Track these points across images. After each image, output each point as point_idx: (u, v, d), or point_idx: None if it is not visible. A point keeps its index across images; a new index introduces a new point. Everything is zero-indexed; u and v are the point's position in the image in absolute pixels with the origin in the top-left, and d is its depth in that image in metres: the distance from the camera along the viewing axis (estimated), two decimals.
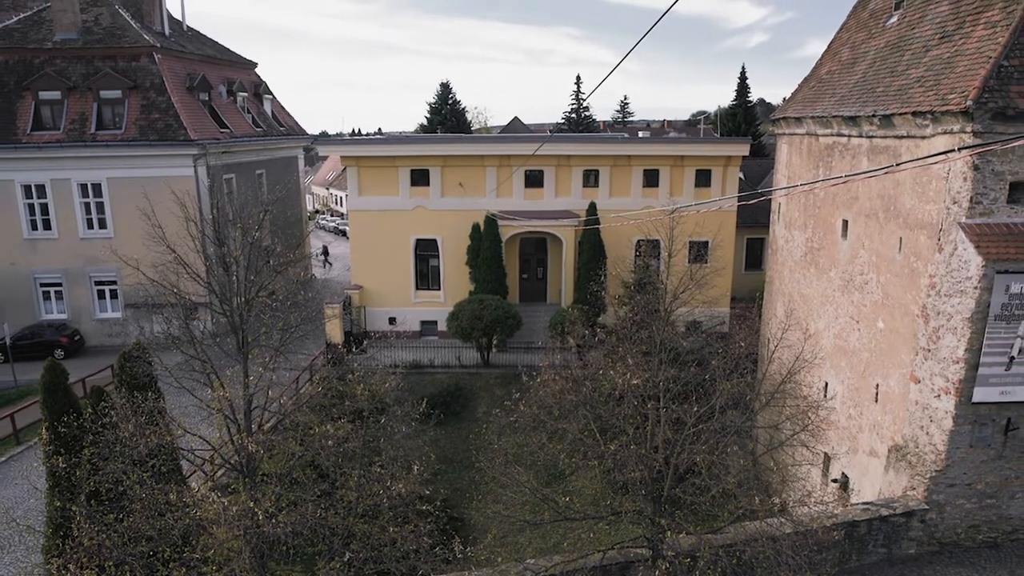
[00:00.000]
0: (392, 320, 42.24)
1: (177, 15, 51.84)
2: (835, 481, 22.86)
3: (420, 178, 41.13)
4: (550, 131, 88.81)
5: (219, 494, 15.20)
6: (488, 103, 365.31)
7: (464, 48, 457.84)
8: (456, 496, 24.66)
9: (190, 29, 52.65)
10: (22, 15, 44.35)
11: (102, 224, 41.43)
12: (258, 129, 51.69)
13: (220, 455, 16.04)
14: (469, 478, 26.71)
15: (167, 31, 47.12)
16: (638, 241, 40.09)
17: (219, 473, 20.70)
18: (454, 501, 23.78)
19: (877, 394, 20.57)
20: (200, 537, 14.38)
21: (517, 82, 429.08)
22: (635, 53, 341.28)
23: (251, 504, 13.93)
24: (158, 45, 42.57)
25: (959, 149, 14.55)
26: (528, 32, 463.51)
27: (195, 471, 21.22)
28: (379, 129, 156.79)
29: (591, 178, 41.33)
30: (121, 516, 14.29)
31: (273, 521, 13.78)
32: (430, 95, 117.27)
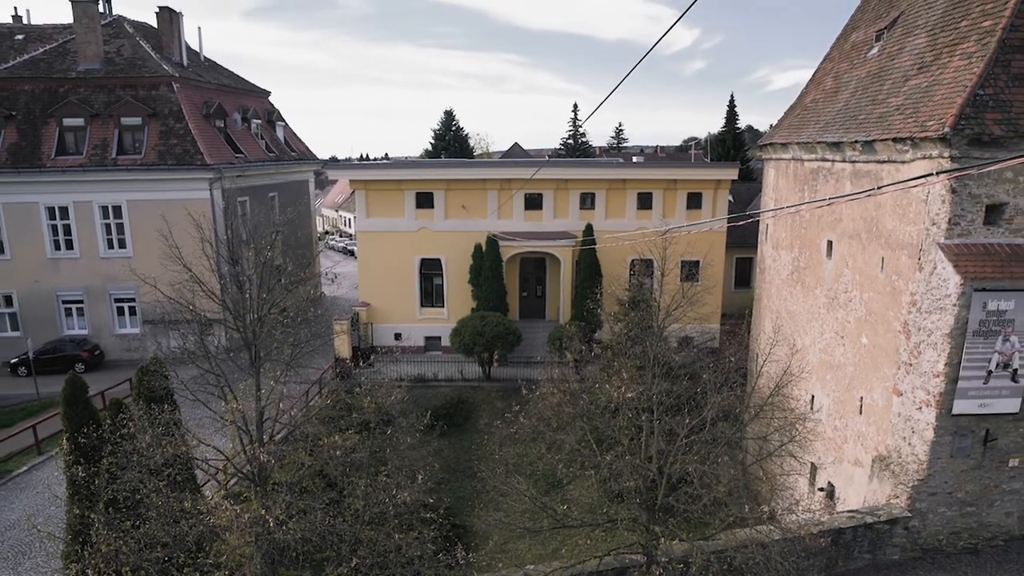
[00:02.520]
0: (398, 336, 42.31)
1: (195, 46, 52.19)
2: (821, 490, 22.76)
3: (425, 201, 41.24)
4: (548, 156, 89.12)
5: (232, 502, 15.17)
6: (489, 129, 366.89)
7: (424, 76, 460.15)
8: (459, 504, 24.56)
9: (207, 59, 53.02)
10: (48, 46, 44.67)
11: (122, 244, 41.51)
12: (271, 154, 51.87)
13: (233, 465, 16.00)
14: (471, 487, 26.62)
15: (185, 62, 47.44)
16: (632, 260, 40.16)
17: (232, 482, 20.61)
18: (457, 509, 23.68)
19: (861, 406, 20.52)
20: (213, 543, 14.33)
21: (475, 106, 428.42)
22: (624, 82, 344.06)
23: (262, 512, 13.90)
24: (176, 75, 42.84)
25: (937, 173, 14.55)
26: (474, 58, 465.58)
27: (209, 480, 21.08)
28: (386, 154, 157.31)
29: (588, 201, 41.43)
30: (138, 523, 14.24)
31: (283, 528, 13.75)
32: (434, 122, 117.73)
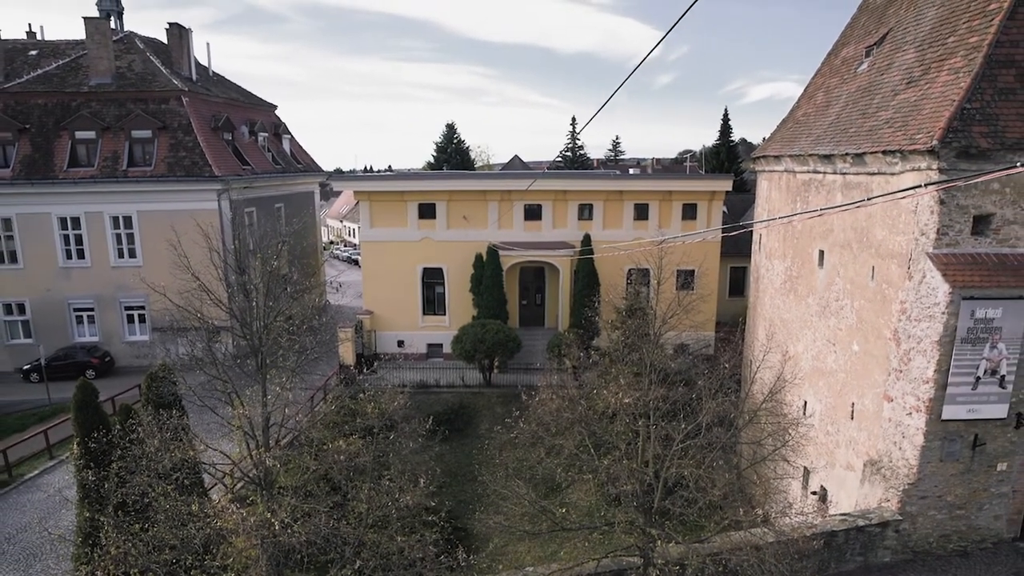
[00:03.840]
0: (401, 343, 42.29)
1: (203, 61, 52.33)
2: (814, 493, 22.71)
3: (427, 211, 41.31)
4: (548, 168, 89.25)
5: (238, 506, 15.14)
6: (490, 142, 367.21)
7: (398, 88, 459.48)
8: (460, 508, 24.50)
9: (215, 74, 53.17)
10: (61, 61, 44.79)
11: (132, 254, 41.54)
12: (277, 166, 51.95)
13: (239, 469, 15.98)
14: (472, 491, 26.54)
15: (194, 76, 47.56)
16: (629, 270, 40.18)
17: (238, 486, 20.58)
18: (458, 512, 23.62)
19: (853, 412, 20.50)
20: (220, 546, 14.29)
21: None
22: (616, 96, 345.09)
23: (268, 515, 13.87)
24: (185, 89, 42.95)
25: (926, 185, 14.64)
26: (444, 71, 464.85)
27: (216, 484, 21.08)
28: (389, 166, 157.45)
29: (586, 211, 41.51)
30: (146, 526, 14.20)
31: (289, 531, 13.71)
32: (437, 135, 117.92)
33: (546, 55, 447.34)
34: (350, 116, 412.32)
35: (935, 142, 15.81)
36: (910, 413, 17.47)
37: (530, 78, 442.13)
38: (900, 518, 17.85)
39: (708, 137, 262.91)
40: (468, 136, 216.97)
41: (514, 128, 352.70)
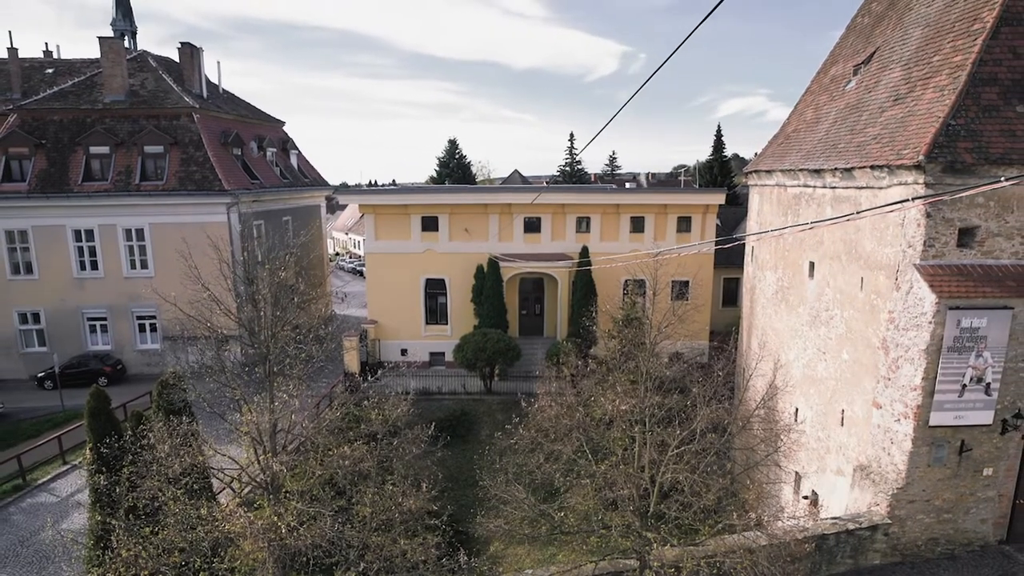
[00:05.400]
0: (404, 351, 42.26)
1: (214, 79, 52.50)
2: (806, 498, 22.64)
3: (430, 224, 41.36)
4: (547, 183, 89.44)
5: (246, 510, 15.11)
6: (490, 157, 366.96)
7: (373, 106, 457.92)
8: (461, 512, 24.39)
9: (225, 92, 53.36)
10: (76, 79, 45.01)
11: (144, 265, 41.57)
12: (285, 180, 52.03)
13: (247, 474, 15.94)
14: (473, 495, 26.43)
15: (205, 94, 47.73)
16: (626, 281, 40.24)
17: (246, 490, 20.53)
18: (460, 516, 23.51)
19: (843, 418, 20.46)
20: (228, 549, 14.26)
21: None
22: (584, 112, 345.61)
23: (275, 519, 13.85)
24: (196, 106, 43.09)
25: (913, 199, 14.69)
26: (414, 87, 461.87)
27: (224, 488, 21.04)
28: (393, 180, 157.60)
29: (584, 224, 41.56)
30: (156, 529, 14.17)
31: (295, 534, 13.69)
32: (439, 151, 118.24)
33: (502, 71, 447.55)
34: (329, 133, 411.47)
35: (921, 157, 15.85)
36: (898, 419, 17.44)
37: (498, 94, 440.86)
38: (889, 522, 17.80)
39: (702, 152, 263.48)
40: (470, 152, 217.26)
41: (497, 144, 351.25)
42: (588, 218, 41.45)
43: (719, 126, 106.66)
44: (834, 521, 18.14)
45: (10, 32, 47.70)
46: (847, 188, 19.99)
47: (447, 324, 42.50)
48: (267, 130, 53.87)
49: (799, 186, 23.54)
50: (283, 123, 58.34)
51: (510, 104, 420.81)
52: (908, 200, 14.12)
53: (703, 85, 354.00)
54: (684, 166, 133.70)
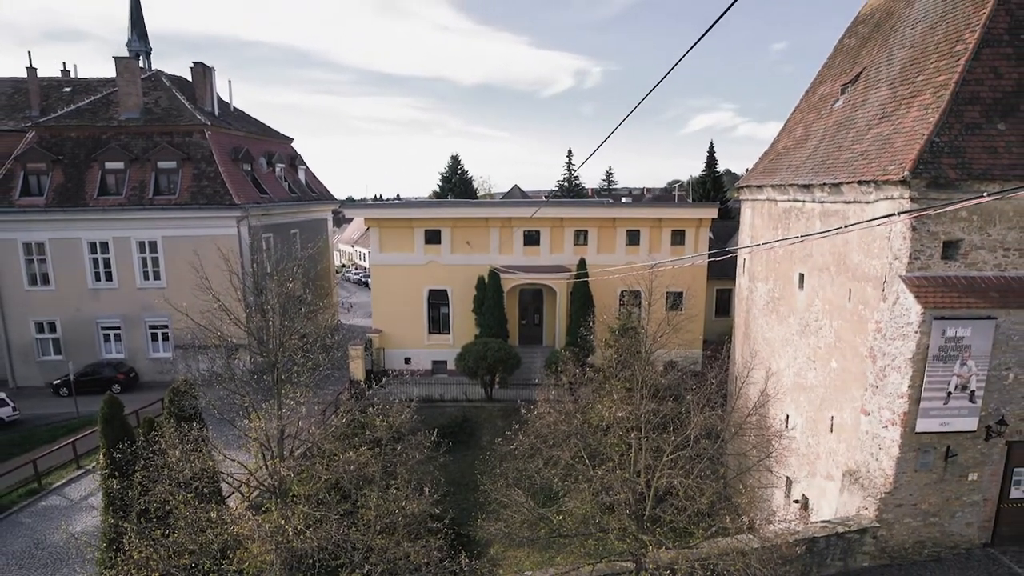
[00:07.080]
0: (407, 360, 42.25)
1: (225, 98, 52.68)
2: (796, 502, 22.58)
3: (433, 237, 41.41)
4: (545, 197, 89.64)
5: (254, 513, 15.07)
6: (491, 172, 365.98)
7: (348, 122, 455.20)
8: (463, 515, 24.30)
9: (236, 109, 53.52)
10: (92, 97, 45.19)
11: (156, 276, 41.60)
12: (293, 195, 52.13)
13: (255, 478, 15.90)
14: (474, 499, 26.34)
15: (216, 111, 47.88)
16: (622, 292, 40.27)
17: (254, 494, 20.45)
18: (461, 520, 23.43)
19: (832, 425, 20.43)
20: (237, 551, 14.22)
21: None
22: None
23: (282, 522, 13.80)
24: (208, 123, 43.22)
25: (899, 213, 14.72)
26: (377, 104, 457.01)
27: (233, 492, 20.99)
28: (398, 195, 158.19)
29: (581, 237, 41.60)
30: (167, 532, 14.12)
31: (301, 537, 13.64)
32: (442, 167, 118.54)
33: (452, 87, 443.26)
34: (315, 150, 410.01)
35: (907, 173, 15.91)
36: (886, 426, 17.42)
37: (458, 109, 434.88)
38: (877, 525, 17.75)
39: (695, 168, 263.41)
40: (471, 167, 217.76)
41: (482, 160, 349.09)
42: (585, 231, 41.50)
43: (711, 143, 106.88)
44: (824, 524, 18.08)
45: (29, 52, 48.00)
46: (835, 203, 20.04)
47: (449, 333, 42.48)
48: (276, 146, 54.03)
49: (789, 200, 23.60)
50: (291, 140, 58.49)
51: (476, 120, 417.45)
52: (894, 214, 14.18)
53: (667, 99, 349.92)
54: (678, 181, 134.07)
